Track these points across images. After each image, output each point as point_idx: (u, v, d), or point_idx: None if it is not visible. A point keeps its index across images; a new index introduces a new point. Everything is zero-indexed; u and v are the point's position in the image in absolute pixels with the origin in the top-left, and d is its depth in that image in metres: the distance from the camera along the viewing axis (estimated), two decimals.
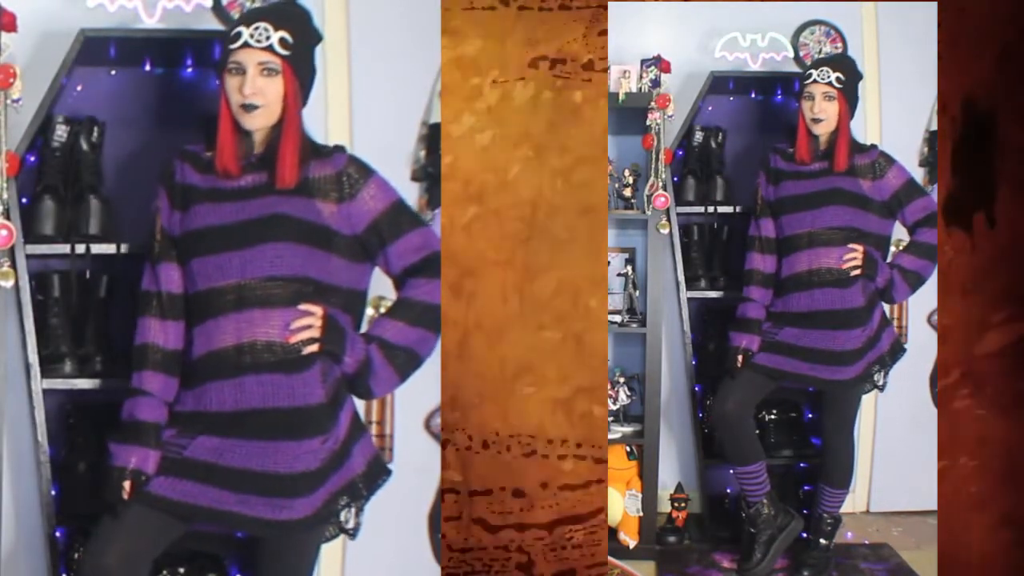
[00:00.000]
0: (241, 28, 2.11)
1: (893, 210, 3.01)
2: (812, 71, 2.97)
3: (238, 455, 2.08)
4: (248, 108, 2.10)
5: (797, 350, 2.98)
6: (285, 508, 2.09)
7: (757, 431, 3.41)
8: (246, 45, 2.10)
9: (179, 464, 2.08)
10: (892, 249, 3.56)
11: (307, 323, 2.10)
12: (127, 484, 2.06)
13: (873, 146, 3.07)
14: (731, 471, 3.16)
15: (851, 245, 2.96)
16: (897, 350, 3.10)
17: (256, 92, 2.09)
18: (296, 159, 2.14)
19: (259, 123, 2.13)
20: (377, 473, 2.25)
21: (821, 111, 2.94)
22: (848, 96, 2.96)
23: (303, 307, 2.11)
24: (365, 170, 2.22)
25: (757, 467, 3.06)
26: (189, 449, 2.08)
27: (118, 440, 2.10)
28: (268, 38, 2.10)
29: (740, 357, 3.01)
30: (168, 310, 2.16)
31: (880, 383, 3.08)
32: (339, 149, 2.22)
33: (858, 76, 3.02)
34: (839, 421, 3.13)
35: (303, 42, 2.16)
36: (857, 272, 2.96)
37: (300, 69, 2.15)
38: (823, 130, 2.97)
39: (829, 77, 2.93)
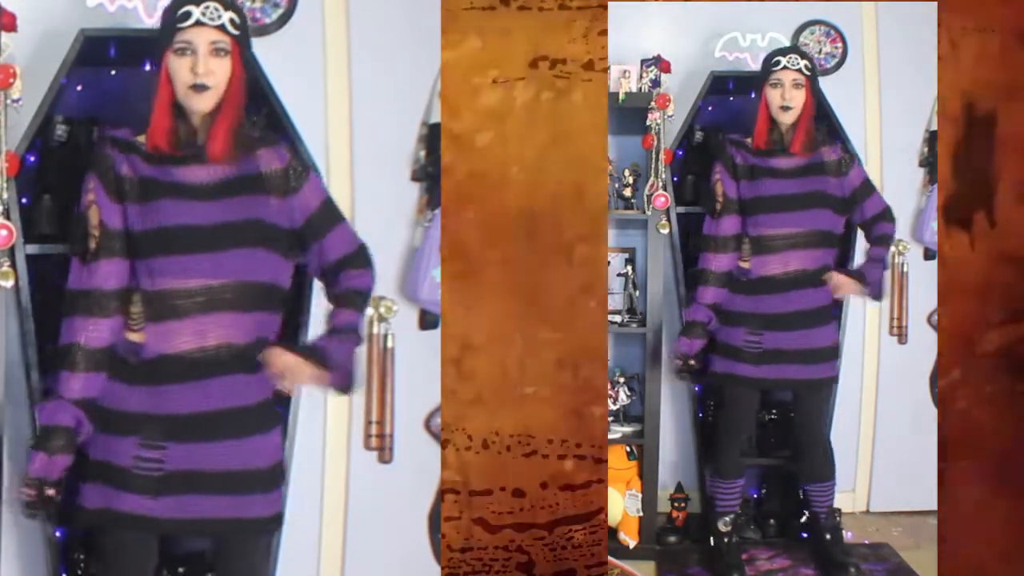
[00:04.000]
0: (190, 8, 2.07)
1: (849, 207, 3.02)
2: (779, 57, 2.91)
3: (215, 457, 2.07)
4: (199, 88, 2.06)
5: (785, 354, 2.98)
6: (273, 502, 2.13)
7: (757, 431, 3.43)
8: (198, 23, 2.06)
9: (163, 480, 2.05)
10: (892, 249, 3.58)
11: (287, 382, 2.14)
12: (30, 491, 2.03)
13: (836, 139, 3.08)
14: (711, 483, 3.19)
15: (830, 278, 2.99)
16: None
17: (208, 72, 2.06)
18: (229, 135, 2.11)
19: (209, 104, 2.08)
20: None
21: (791, 98, 2.90)
22: (813, 85, 2.93)
23: (271, 358, 2.11)
24: (305, 163, 2.25)
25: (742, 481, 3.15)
26: (168, 461, 2.06)
27: (30, 446, 2.10)
28: (220, 17, 2.08)
29: (683, 363, 3.02)
30: (99, 309, 2.08)
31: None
32: (281, 138, 2.25)
33: (817, 66, 3.01)
34: (817, 417, 3.13)
35: (245, 24, 2.15)
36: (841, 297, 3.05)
37: (245, 51, 2.14)
38: (790, 119, 2.93)
39: (798, 64, 2.89)
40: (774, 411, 3.44)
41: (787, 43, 3.47)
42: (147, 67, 2.68)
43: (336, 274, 2.24)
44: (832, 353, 3.06)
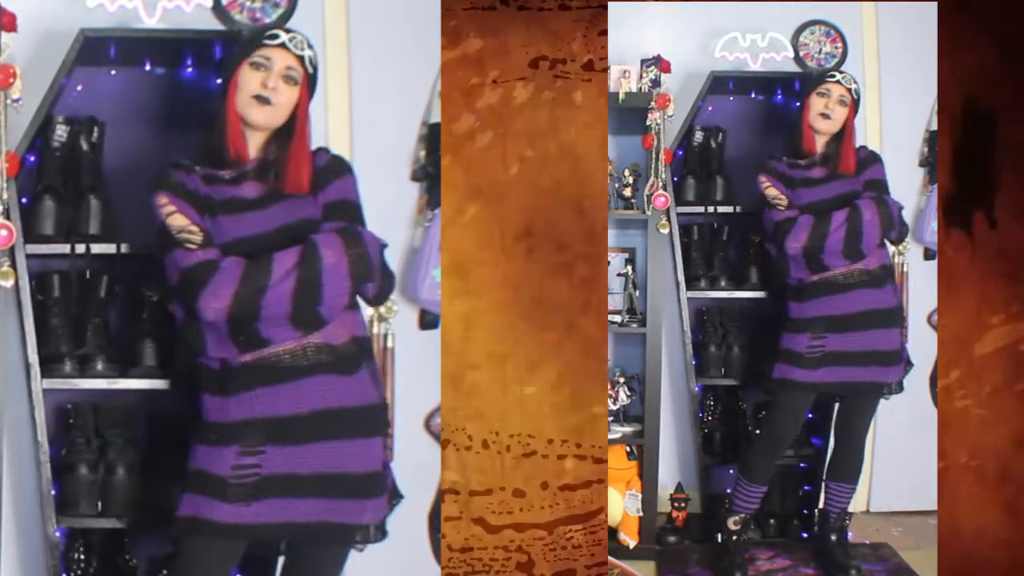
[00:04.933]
0: (280, 32, 2.19)
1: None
2: (836, 73, 3.05)
3: (313, 460, 2.07)
4: (262, 100, 2.14)
5: (848, 356, 2.98)
6: (365, 511, 2.13)
7: (757, 431, 3.42)
8: (283, 46, 2.17)
9: (258, 485, 2.05)
10: (892, 249, 3.58)
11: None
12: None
13: (864, 146, 3.14)
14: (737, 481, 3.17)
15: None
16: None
17: (275, 88, 2.15)
18: (310, 168, 2.19)
19: (266, 119, 2.16)
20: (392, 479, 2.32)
21: (833, 110, 3.00)
22: (856, 108, 3.04)
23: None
24: (345, 167, 2.27)
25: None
26: (265, 466, 2.05)
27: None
28: (304, 49, 2.20)
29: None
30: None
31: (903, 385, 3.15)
32: (324, 149, 2.28)
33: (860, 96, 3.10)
34: (863, 421, 3.15)
35: (316, 71, 2.26)
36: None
37: (312, 91, 2.24)
38: (828, 129, 3.01)
39: (851, 84, 3.02)
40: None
41: (787, 43, 3.47)
42: (147, 67, 2.69)
43: None
44: (898, 357, 3.06)
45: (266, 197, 2.17)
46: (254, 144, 2.20)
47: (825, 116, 2.99)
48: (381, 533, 2.25)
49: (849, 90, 3.01)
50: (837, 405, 3.22)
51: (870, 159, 3.08)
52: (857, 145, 3.11)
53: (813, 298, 3.00)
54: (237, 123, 2.18)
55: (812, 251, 2.94)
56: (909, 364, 3.16)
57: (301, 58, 2.19)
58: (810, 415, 3.48)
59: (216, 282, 2.02)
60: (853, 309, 2.97)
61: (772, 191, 3.04)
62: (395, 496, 2.35)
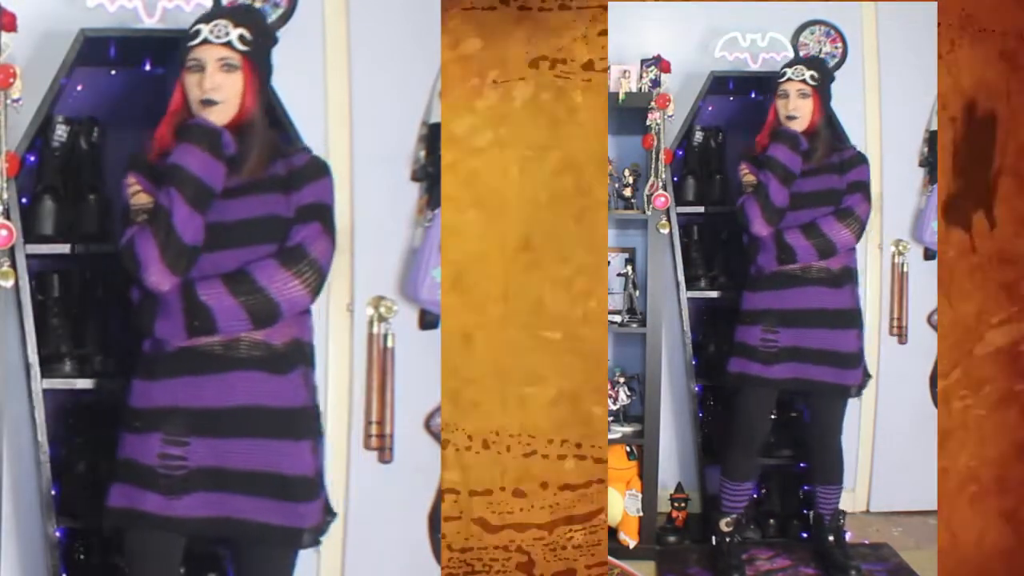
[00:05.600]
0: (200, 26, 2.13)
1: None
2: (786, 69, 2.98)
3: (239, 456, 2.07)
4: (207, 103, 2.11)
5: (803, 353, 2.98)
6: (297, 515, 2.10)
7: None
8: (205, 41, 2.12)
9: (187, 479, 2.05)
10: (892, 249, 3.58)
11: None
12: None
13: (853, 147, 3.11)
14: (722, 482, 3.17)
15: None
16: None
17: (215, 87, 2.11)
18: (262, 152, 2.16)
19: (218, 118, 2.13)
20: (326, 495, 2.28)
21: (796, 108, 2.95)
22: (822, 94, 2.98)
23: None
24: (322, 170, 2.25)
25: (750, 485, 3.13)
26: (191, 458, 2.05)
27: None
28: (227, 34, 2.12)
29: None
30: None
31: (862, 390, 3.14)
32: (305, 150, 2.27)
33: (830, 75, 3.04)
34: (832, 424, 3.12)
35: (261, 40, 2.19)
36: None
37: (259, 66, 2.18)
38: (797, 128, 2.97)
39: (803, 75, 2.95)
40: (774, 412, 3.44)
41: (787, 43, 3.47)
42: (147, 67, 2.69)
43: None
44: (856, 360, 3.03)
45: (234, 188, 2.14)
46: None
47: (791, 118, 2.96)
48: (315, 541, 2.19)
49: (804, 80, 2.95)
50: (806, 408, 3.23)
51: (856, 160, 3.05)
52: (851, 144, 3.10)
53: (766, 290, 3.00)
54: (168, 129, 2.14)
55: (773, 227, 2.94)
56: (867, 375, 3.13)
57: (228, 43, 2.12)
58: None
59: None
60: (806, 305, 2.96)
61: (750, 178, 3.02)
62: (329, 512, 2.28)
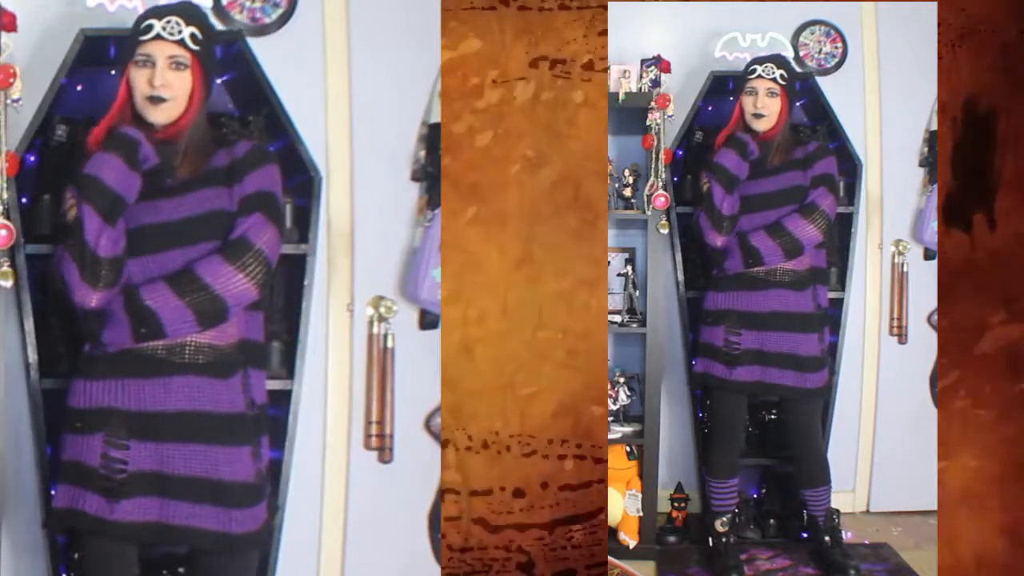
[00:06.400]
0: (152, 21, 2.11)
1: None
2: (756, 66, 2.94)
3: (179, 461, 2.05)
4: (155, 100, 2.10)
5: (766, 356, 2.97)
6: (233, 520, 2.08)
7: (757, 431, 3.43)
8: (158, 37, 2.10)
9: (127, 482, 2.03)
10: (892, 249, 3.58)
11: None
12: None
13: (817, 141, 3.09)
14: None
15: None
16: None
17: (165, 84, 2.09)
18: (202, 154, 2.15)
19: (164, 116, 2.12)
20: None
21: (764, 106, 2.93)
22: (790, 94, 2.96)
23: None
24: (264, 158, 2.22)
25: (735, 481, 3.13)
26: (131, 462, 2.04)
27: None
28: (180, 32, 2.11)
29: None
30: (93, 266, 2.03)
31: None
32: (248, 138, 2.27)
33: (797, 75, 3.02)
34: (808, 426, 3.09)
35: (208, 39, 2.17)
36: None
37: (207, 66, 2.16)
38: (763, 126, 2.95)
39: (773, 74, 2.92)
40: (774, 411, 3.44)
41: (787, 43, 3.47)
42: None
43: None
44: (818, 363, 3.01)
45: (178, 186, 2.13)
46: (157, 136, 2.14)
47: (758, 115, 2.93)
48: (255, 544, 2.19)
49: (774, 79, 2.92)
50: (781, 413, 3.23)
51: (819, 153, 3.01)
52: (814, 139, 3.09)
53: (727, 290, 3.00)
54: (108, 122, 2.12)
55: (726, 235, 2.93)
56: (833, 373, 3.12)
57: (180, 42, 2.11)
58: None
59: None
60: (767, 308, 2.95)
61: (706, 186, 3.01)
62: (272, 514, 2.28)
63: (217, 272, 2.07)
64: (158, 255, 2.08)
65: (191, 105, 2.13)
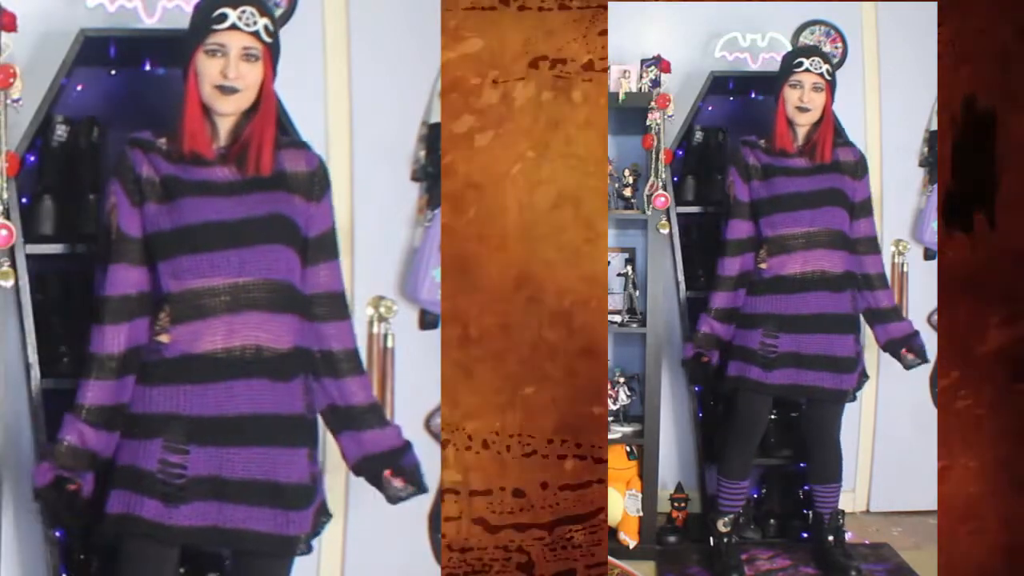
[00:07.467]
0: (226, 10, 2.07)
1: (853, 215, 3.03)
2: (803, 59, 2.93)
3: (238, 465, 2.04)
4: (226, 91, 2.08)
5: (803, 359, 2.97)
6: (290, 523, 2.08)
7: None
8: (234, 27, 2.07)
9: (186, 487, 2.02)
10: (892, 249, 3.57)
11: None
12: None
13: (851, 143, 3.09)
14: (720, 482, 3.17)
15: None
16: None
17: (239, 76, 2.08)
18: (272, 147, 2.14)
19: (234, 107, 2.10)
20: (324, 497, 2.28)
21: (810, 101, 2.92)
22: (833, 91, 2.97)
23: None
24: (328, 179, 2.23)
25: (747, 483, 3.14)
26: (191, 467, 2.02)
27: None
28: (255, 23, 2.09)
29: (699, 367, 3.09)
30: (114, 315, 2.08)
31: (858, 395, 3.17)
32: (308, 146, 2.24)
33: (835, 68, 3.04)
34: (829, 422, 3.12)
35: (277, 32, 2.16)
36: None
37: (276, 59, 2.15)
38: (808, 120, 2.95)
39: (821, 68, 2.92)
40: (774, 411, 3.44)
41: (787, 43, 3.47)
42: (147, 67, 2.69)
43: (311, 315, 2.21)
44: (853, 364, 3.02)
45: (238, 184, 2.11)
46: (224, 128, 2.13)
47: (802, 109, 2.93)
48: (307, 547, 2.18)
49: (821, 74, 2.92)
50: (804, 410, 3.23)
51: (864, 166, 3.05)
52: (848, 140, 3.09)
53: (765, 294, 2.99)
54: (197, 114, 2.11)
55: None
56: (864, 375, 3.14)
57: (255, 33, 2.09)
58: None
59: (96, 330, 2.10)
60: (805, 311, 2.95)
61: (731, 191, 3.05)
62: (324, 514, 2.26)
63: (351, 334, 2.27)
64: (212, 254, 2.05)
65: (265, 98, 2.12)
